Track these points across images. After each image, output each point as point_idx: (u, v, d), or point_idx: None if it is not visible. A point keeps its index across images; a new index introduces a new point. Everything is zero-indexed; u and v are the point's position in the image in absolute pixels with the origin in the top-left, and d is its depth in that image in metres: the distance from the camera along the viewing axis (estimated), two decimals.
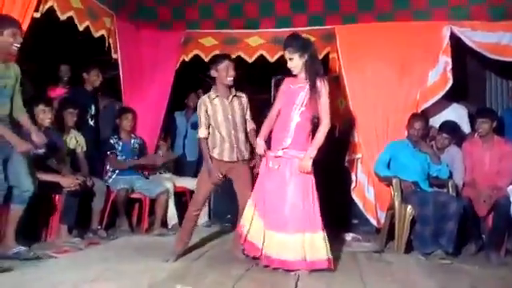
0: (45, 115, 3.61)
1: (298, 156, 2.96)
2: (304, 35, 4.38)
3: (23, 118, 3.06)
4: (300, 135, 2.99)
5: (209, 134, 3.19)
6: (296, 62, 3.00)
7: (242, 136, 3.22)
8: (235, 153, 3.18)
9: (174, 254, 3.14)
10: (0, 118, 2.89)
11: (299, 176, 2.96)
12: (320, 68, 3.04)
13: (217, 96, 3.19)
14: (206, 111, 3.16)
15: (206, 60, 4.49)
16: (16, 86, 3.01)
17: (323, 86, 2.96)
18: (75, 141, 4.00)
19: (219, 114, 3.16)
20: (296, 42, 3.01)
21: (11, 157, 2.94)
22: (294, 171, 2.96)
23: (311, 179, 2.99)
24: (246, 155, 3.24)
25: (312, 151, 2.95)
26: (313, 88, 2.96)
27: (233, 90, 3.24)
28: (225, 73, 3.15)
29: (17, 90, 3.02)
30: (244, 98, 3.30)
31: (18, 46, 2.89)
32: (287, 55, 3.02)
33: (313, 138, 3.02)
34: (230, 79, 3.17)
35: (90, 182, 3.79)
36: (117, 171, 4.31)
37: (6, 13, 2.98)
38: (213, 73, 3.20)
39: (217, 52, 4.49)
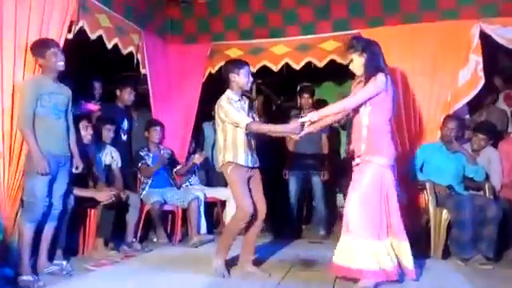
0: (87, 132, 3.72)
1: (372, 160, 2.79)
2: (330, 41, 4.50)
3: (71, 139, 3.18)
4: (373, 138, 2.81)
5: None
6: (356, 63, 2.89)
7: (254, 142, 3.15)
8: (251, 158, 3.09)
9: (224, 267, 3.05)
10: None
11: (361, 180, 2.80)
12: (379, 66, 2.83)
13: (239, 100, 3.13)
14: None
15: None
16: (68, 106, 3.15)
17: (373, 80, 2.77)
18: (110, 156, 4.09)
19: None
20: (355, 43, 2.91)
21: (57, 177, 3.04)
22: (363, 174, 2.81)
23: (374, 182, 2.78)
24: (258, 162, 3.17)
25: (321, 111, 2.88)
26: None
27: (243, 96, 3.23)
28: (246, 78, 3.10)
29: (68, 109, 3.16)
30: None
31: (62, 63, 3.04)
32: (349, 57, 2.94)
33: (392, 140, 2.86)
34: (250, 85, 3.16)
35: (125, 195, 3.86)
36: (150, 182, 4.41)
37: (44, 36, 3.11)
38: (233, 77, 3.10)
39: None
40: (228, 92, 3.13)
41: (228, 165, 3.04)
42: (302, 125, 2.91)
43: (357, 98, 2.84)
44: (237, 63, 3.20)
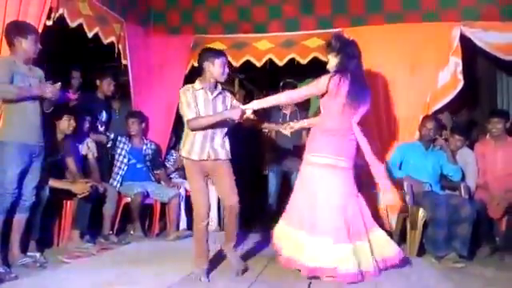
0: (70, 124, 3.68)
1: (337, 164, 2.91)
2: (314, 38, 4.50)
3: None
4: (311, 138, 2.94)
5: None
6: (331, 63, 2.89)
7: (218, 138, 2.95)
8: (206, 151, 2.90)
9: (203, 272, 2.84)
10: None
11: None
12: (344, 68, 2.82)
13: (201, 88, 2.93)
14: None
15: None
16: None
17: (317, 80, 2.81)
18: (87, 147, 4.02)
19: (200, 108, 2.89)
20: (334, 42, 2.89)
21: (31, 168, 2.98)
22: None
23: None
24: (222, 155, 2.95)
25: (257, 103, 2.96)
26: None
27: (219, 85, 3.02)
28: (222, 69, 2.93)
29: None
30: (228, 97, 3.06)
31: (37, 51, 3.00)
32: (327, 56, 2.94)
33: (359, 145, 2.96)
34: (224, 76, 2.99)
35: (102, 187, 3.80)
36: (122, 174, 4.33)
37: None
38: (207, 65, 2.91)
39: None
40: (198, 80, 2.97)
41: (184, 160, 2.96)
42: (243, 111, 2.91)
43: (298, 92, 2.92)
44: (214, 52, 3.02)
